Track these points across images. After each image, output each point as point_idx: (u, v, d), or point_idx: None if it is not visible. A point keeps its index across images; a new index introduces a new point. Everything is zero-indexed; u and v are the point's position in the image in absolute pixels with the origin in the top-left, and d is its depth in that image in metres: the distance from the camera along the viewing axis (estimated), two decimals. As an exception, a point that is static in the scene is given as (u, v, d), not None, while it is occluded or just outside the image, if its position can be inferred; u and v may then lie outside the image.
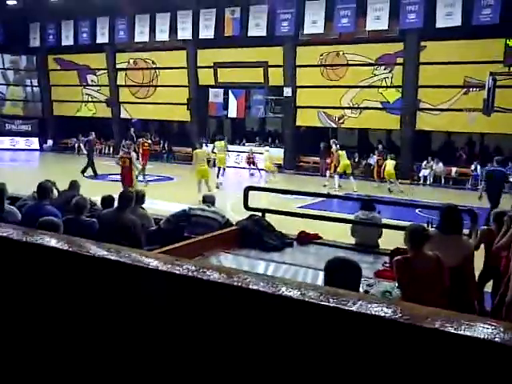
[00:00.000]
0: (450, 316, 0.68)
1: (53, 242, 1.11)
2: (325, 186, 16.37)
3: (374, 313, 0.69)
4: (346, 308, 0.70)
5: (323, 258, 3.89)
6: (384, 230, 6.00)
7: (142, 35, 23.88)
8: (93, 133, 19.02)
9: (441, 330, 0.63)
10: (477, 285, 4.91)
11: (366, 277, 4.29)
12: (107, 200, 5.86)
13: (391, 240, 5.30)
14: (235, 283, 0.83)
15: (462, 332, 0.63)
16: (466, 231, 4.84)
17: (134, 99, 25.96)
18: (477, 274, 4.97)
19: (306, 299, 0.74)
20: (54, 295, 1.11)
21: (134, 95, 25.97)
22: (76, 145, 27.04)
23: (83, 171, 17.00)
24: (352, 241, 6.03)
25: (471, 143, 21.44)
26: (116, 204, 5.50)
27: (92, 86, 27.33)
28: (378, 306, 0.70)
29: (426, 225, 5.27)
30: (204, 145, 16.04)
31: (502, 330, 0.63)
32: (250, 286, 0.81)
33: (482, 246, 5.13)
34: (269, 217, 6.09)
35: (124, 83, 26.18)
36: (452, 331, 0.63)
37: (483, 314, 5.07)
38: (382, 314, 0.68)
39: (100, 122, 26.91)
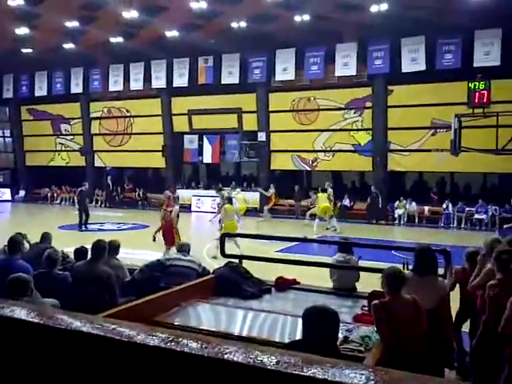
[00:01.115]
0: (422, 380, 0.67)
1: (23, 315, 1.07)
2: (327, 228, 16.22)
3: (347, 380, 0.68)
4: (320, 377, 0.69)
5: (302, 305, 3.86)
6: (362, 272, 6.01)
7: (116, 84, 24.20)
8: (86, 183, 18.32)
9: None
10: (454, 325, 4.91)
11: (345, 322, 4.27)
12: (80, 251, 5.74)
13: (369, 282, 5.31)
14: (210, 355, 0.80)
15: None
16: (441, 270, 4.88)
17: (109, 147, 25.97)
18: (453, 313, 4.99)
19: (282, 370, 0.73)
20: (26, 372, 1.06)
21: (109, 143, 26.00)
22: (49, 194, 26.72)
23: (85, 224, 16.25)
24: (330, 284, 6.01)
25: (442, 183, 21.98)
26: (89, 255, 5.38)
27: (66, 135, 27.29)
28: (352, 372, 0.69)
29: (402, 266, 5.31)
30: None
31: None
32: (226, 357, 0.79)
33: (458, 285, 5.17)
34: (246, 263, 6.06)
35: (98, 132, 26.24)
36: None
37: (462, 354, 5.06)
38: (356, 381, 0.68)
39: (73, 171, 26.71)
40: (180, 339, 0.90)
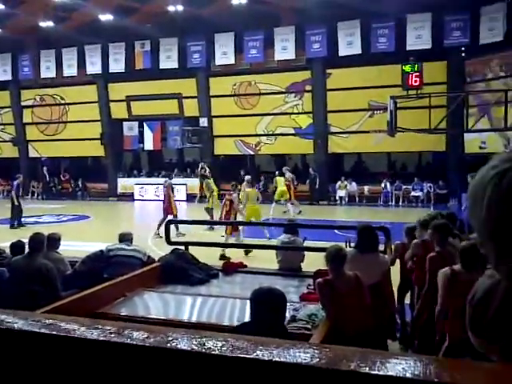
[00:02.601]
0: (364, 354, 0.69)
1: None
2: (284, 212, 16.19)
3: (292, 360, 0.68)
4: (266, 359, 0.69)
5: (249, 287, 3.90)
6: (306, 253, 6.14)
7: (48, 71, 23.10)
8: (20, 175, 16.65)
9: (356, 371, 0.64)
10: (397, 298, 5.14)
11: (292, 301, 4.35)
12: (16, 246, 5.48)
13: (314, 262, 5.43)
14: (153, 344, 0.78)
15: (375, 372, 0.64)
16: (381, 247, 5.08)
17: (43, 137, 24.84)
18: (396, 287, 5.22)
19: (228, 354, 0.72)
20: None
21: (43, 133, 24.87)
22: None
23: (19, 222, 14.54)
24: (276, 265, 6.11)
25: (380, 163, 22.75)
26: (27, 249, 5.16)
27: (-5, 125, 25.84)
28: (296, 351, 0.70)
29: (344, 244, 5.48)
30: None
31: (412, 364, 0.66)
32: (169, 346, 0.77)
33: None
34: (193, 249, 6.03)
35: (31, 121, 25.02)
36: (366, 371, 0.64)
37: (404, 326, 5.31)
38: (299, 361, 0.68)
39: (6, 163, 25.40)
40: (121, 331, 0.87)
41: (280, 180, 16.66)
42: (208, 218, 13.04)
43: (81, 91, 23.37)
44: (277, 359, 0.68)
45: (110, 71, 21.93)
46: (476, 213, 0.86)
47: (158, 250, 8.58)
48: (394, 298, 4.71)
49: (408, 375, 0.62)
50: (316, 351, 0.69)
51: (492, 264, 0.88)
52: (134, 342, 0.81)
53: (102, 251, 5.51)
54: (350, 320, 3.66)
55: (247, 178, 13.23)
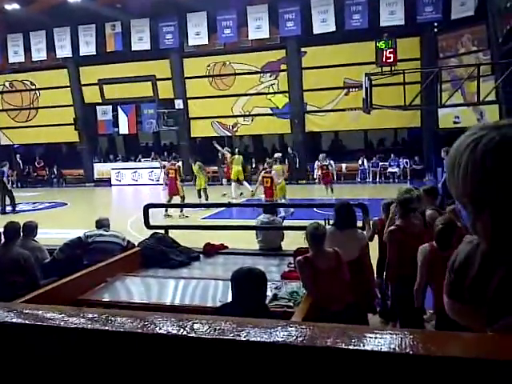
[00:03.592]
0: (341, 330, 0.70)
1: None
2: (224, 195, 16.27)
3: (267, 339, 0.69)
4: (243, 339, 0.70)
5: (231, 268, 3.92)
6: (286, 232, 6.19)
7: (16, 56, 22.42)
8: (7, 163, 16.34)
9: (332, 347, 0.65)
10: (376, 272, 5.22)
11: (273, 280, 4.40)
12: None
13: (294, 240, 5.48)
14: (139, 330, 0.78)
15: (351, 347, 0.65)
16: (360, 223, 5.14)
17: (14, 123, 24.23)
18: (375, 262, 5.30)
19: (216, 337, 0.73)
20: None
21: (14, 119, 24.24)
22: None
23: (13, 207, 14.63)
24: (257, 245, 6.14)
25: (357, 140, 22.89)
26: (2, 239, 5.07)
27: (-37, 112, 25.08)
28: (273, 330, 0.71)
29: (323, 222, 5.53)
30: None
31: (388, 338, 0.67)
32: (156, 330, 0.77)
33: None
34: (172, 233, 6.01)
35: (1, 107, 24.34)
36: (342, 347, 0.65)
37: (384, 300, 5.42)
38: (277, 339, 0.69)
39: (-23, 151, 24.80)
40: (106, 317, 0.86)
41: (238, 158, 16.54)
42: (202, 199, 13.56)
43: (51, 76, 22.79)
44: (254, 339, 0.68)
45: (81, 54, 21.38)
46: (454, 179, 0.89)
47: (138, 234, 8.52)
48: (373, 273, 4.79)
49: (384, 349, 0.64)
50: (293, 329, 0.70)
51: (471, 226, 0.91)
52: (117, 329, 0.80)
53: (80, 238, 5.45)
54: (331, 296, 3.72)
55: (277, 155, 13.23)
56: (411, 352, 0.63)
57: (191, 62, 21.17)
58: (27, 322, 0.88)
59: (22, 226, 5.20)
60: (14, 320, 0.89)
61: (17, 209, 14.78)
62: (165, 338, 0.76)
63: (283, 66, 20.32)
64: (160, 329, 0.77)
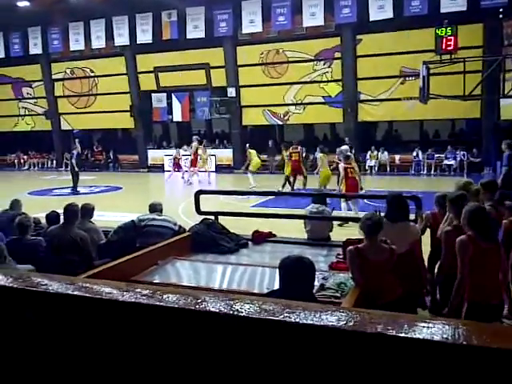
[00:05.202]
0: (392, 318, 0.69)
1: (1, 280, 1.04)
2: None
3: (317, 323, 0.69)
4: (292, 321, 0.70)
5: (279, 256, 3.92)
6: (335, 223, 6.13)
7: (77, 43, 23.25)
8: (78, 145, 17.19)
9: (383, 334, 0.64)
10: (427, 267, 5.08)
11: (321, 270, 4.38)
12: (52, 216, 5.65)
13: (342, 232, 5.42)
14: (190, 306, 0.80)
15: (402, 334, 0.64)
16: (412, 216, 5.00)
17: (74, 109, 25.21)
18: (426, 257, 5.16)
19: (262, 317, 0.74)
20: (7, 337, 1.04)
21: (74, 105, 25.22)
22: (16, 160, 26.05)
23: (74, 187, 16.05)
24: (305, 235, 6.12)
25: (412, 131, 22.24)
26: (62, 219, 5.31)
27: (28, 98, 26.31)
28: (323, 314, 0.71)
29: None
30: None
31: (441, 327, 0.65)
32: (207, 309, 0.79)
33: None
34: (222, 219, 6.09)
35: (62, 94, 25.37)
36: (393, 334, 0.64)
37: (434, 295, 5.27)
38: (326, 323, 0.69)
39: (39, 136, 26.01)
40: (160, 294, 0.90)
41: (253, 152, 16.48)
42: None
43: (109, 63, 23.50)
44: (304, 322, 0.69)
45: (138, 42, 21.90)
46: None
47: (188, 219, 8.69)
48: (424, 267, 4.66)
49: (436, 338, 0.62)
50: (343, 314, 0.70)
51: None
52: (164, 304, 0.83)
53: (133, 221, 5.62)
54: (380, 290, 3.65)
55: (344, 147, 13.22)
56: (465, 342, 0.61)
57: (244, 50, 21.19)
58: (87, 294, 0.92)
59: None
60: (75, 292, 0.93)
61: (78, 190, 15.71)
62: (216, 316, 0.78)
63: (337, 54, 19.96)
64: (212, 307, 0.79)
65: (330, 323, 0.68)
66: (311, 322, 0.69)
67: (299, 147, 14.97)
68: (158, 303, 0.83)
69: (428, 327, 0.66)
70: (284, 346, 0.72)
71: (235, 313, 0.76)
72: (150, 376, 0.90)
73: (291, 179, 14.58)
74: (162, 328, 0.84)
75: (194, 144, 18.27)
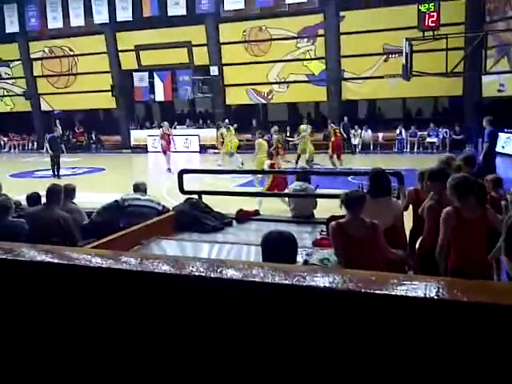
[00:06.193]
0: (393, 278, 0.70)
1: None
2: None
3: (322, 284, 0.70)
4: (298, 284, 0.71)
5: (264, 234, 3.94)
6: (319, 201, 6.16)
7: (55, 21, 22.69)
8: (58, 127, 17.10)
9: (389, 294, 0.65)
10: (408, 242, 5.15)
11: (305, 246, 4.41)
12: (33, 197, 5.57)
13: (326, 208, 5.45)
14: (184, 272, 0.80)
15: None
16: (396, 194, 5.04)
17: (54, 90, 24.72)
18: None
19: (250, 279, 0.74)
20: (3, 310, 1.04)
21: (54, 85, 24.73)
22: (1, 142, 25.56)
23: (57, 173, 15.22)
24: (289, 213, 6.15)
25: (395, 109, 22.30)
26: (44, 200, 5.25)
27: (6, 79, 25.70)
28: (325, 276, 0.71)
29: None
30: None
31: (412, 284, 0.67)
32: (196, 273, 0.80)
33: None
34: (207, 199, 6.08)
35: (41, 73, 24.84)
36: (399, 294, 0.65)
37: (417, 270, 5.36)
38: (311, 284, 0.70)
39: (19, 117, 25.49)
40: (149, 260, 0.90)
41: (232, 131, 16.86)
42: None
43: (89, 42, 23.01)
44: (306, 283, 0.69)
45: (118, 20, 21.44)
46: None
47: (173, 200, 8.65)
48: (406, 243, 4.72)
49: (411, 294, 0.64)
50: (345, 276, 0.71)
51: None
52: (153, 270, 0.83)
53: (117, 201, 5.56)
54: (363, 265, 3.69)
55: (260, 132, 13.18)
56: (436, 297, 0.63)
57: (227, 28, 20.91)
58: (68, 262, 0.92)
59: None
60: (42, 259, 0.93)
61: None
62: (202, 280, 0.79)
63: (320, 31, 19.81)
64: (198, 272, 0.80)
65: (317, 284, 0.69)
66: (308, 284, 0.70)
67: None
68: (149, 270, 0.84)
69: (401, 284, 0.68)
70: (272, 309, 0.73)
71: (220, 276, 0.77)
72: (135, 344, 0.90)
73: (334, 158, 14.85)
74: (146, 295, 0.85)
75: (165, 125, 17.20)
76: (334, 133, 15.16)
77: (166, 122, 17.55)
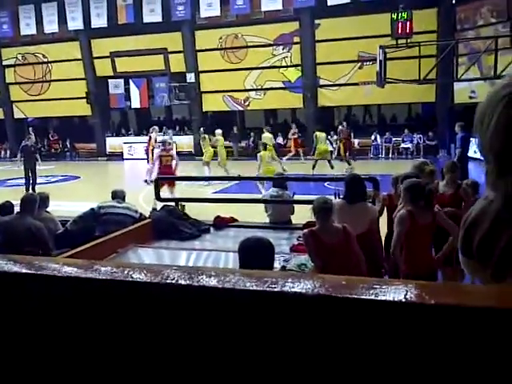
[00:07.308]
0: (363, 282, 0.72)
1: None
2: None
3: (295, 290, 0.70)
4: (270, 290, 0.71)
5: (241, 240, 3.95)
6: (297, 206, 6.19)
7: (28, 28, 22.33)
8: (31, 135, 16.16)
9: (359, 298, 0.67)
10: (384, 247, 5.22)
11: (282, 252, 4.44)
12: (6, 206, 5.46)
13: (305, 215, 5.48)
14: (157, 280, 0.80)
15: (377, 297, 0.67)
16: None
17: (28, 97, 24.30)
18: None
19: (224, 286, 0.75)
20: None
21: (27, 92, 24.30)
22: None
23: (33, 187, 13.86)
24: (267, 219, 6.16)
25: (370, 115, 22.65)
26: (17, 210, 5.15)
27: (-23, 85, 25.18)
28: (297, 282, 0.72)
29: (333, 196, 5.51)
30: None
31: (383, 288, 0.68)
32: (168, 281, 0.79)
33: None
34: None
35: (14, 81, 24.40)
36: (370, 298, 0.66)
37: (392, 272, 5.43)
38: (289, 290, 0.70)
39: (-9, 125, 24.98)
40: (124, 269, 0.89)
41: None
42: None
43: (63, 48, 22.73)
44: (278, 290, 0.70)
45: (93, 26, 21.24)
46: (483, 130, 0.87)
47: (149, 207, 8.59)
48: (382, 247, 4.78)
49: (380, 298, 0.65)
50: (317, 281, 0.71)
51: (490, 182, 0.90)
52: (134, 280, 0.82)
53: (93, 209, 5.51)
54: (338, 270, 3.72)
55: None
56: (404, 300, 0.65)
57: (203, 35, 20.93)
58: (36, 272, 0.91)
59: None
60: (19, 270, 0.92)
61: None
62: (178, 287, 0.78)
63: (296, 39, 20.00)
64: (174, 280, 0.79)
65: (288, 289, 0.70)
66: (293, 290, 0.70)
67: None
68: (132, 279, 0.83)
69: (372, 288, 0.69)
70: (247, 316, 0.74)
71: (192, 283, 0.77)
72: (106, 355, 0.89)
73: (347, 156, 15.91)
74: (129, 304, 0.84)
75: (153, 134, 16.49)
76: (347, 134, 16.38)
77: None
